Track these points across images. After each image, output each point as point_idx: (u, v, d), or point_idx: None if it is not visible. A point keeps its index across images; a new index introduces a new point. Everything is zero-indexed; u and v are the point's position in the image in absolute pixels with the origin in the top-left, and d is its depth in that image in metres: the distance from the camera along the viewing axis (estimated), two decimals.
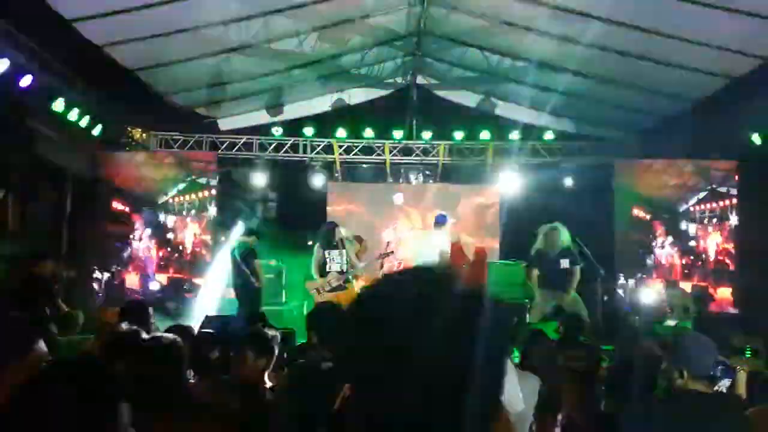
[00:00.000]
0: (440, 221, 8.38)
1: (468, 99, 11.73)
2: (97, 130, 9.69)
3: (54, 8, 6.88)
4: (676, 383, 2.69)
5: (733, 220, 10.23)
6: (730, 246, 10.20)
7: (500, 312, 0.97)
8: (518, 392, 2.76)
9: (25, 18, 7.20)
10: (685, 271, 10.45)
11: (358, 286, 8.58)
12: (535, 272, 8.10)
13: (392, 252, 8.91)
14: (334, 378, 3.20)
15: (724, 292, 10.01)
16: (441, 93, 11.89)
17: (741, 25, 7.06)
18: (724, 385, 3.38)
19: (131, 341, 3.89)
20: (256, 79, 10.23)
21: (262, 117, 11.63)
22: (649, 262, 10.59)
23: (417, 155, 12.19)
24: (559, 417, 4.12)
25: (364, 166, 12.66)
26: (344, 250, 7.50)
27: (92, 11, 7.20)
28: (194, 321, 8.79)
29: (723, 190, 10.38)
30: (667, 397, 2.82)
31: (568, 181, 11.64)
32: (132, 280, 10.33)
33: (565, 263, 7.85)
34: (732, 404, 2.66)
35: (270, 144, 11.83)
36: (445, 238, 8.12)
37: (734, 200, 10.26)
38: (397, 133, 11.95)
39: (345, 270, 7.44)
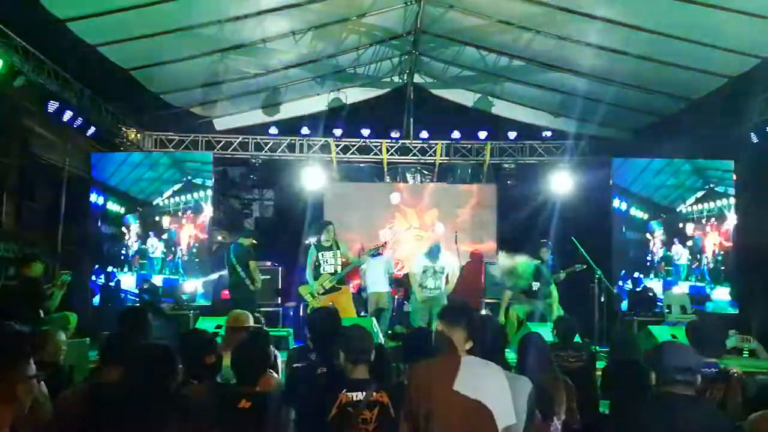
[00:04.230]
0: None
1: (465, 98, 11.68)
2: (91, 131, 9.63)
3: (48, 8, 6.83)
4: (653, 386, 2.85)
5: (731, 219, 10.20)
6: (728, 246, 10.17)
7: None
8: (510, 405, 2.72)
9: (18, 18, 7.15)
10: (683, 271, 10.43)
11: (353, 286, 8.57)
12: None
13: (385, 243, 8.91)
14: (327, 383, 3.17)
15: (722, 292, 9.99)
16: (438, 92, 11.85)
17: (740, 24, 7.03)
18: (718, 388, 3.36)
19: (127, 346, 3.87)
20: (252, 79, 10.18)
21: (258, 116, 11.58)
22: (646, 261, 10.55)
23: (414, 155, 12.15)
24: (555, 418, 4.09)
25: (361, 165, 12.63)
26: (338, 251, 7.42)
27: (86, 11, 7.16)
28: (190, 321, 8.81)
29: (721, 189, 10.35)
30: (647, 399, 2.90)
31: (566, 180, 11.61)
32: (127, 281, 10.29)
33: (535, 285, 8.20)
34: (702, 406, 2.80)
35: (266, 143, 11.79)
36: None
37: (732, 200, 10.23)
38: (394, 133, 11.91)
39: (338, 271, 7.35)
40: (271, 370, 3.95)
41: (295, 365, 4.08)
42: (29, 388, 2.39)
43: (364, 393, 2.91)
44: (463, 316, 2.93)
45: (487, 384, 2.71)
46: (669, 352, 2.81)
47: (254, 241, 8.57)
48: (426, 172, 12.96)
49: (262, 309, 8.77)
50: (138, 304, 9.04)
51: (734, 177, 10.22)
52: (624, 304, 10.11)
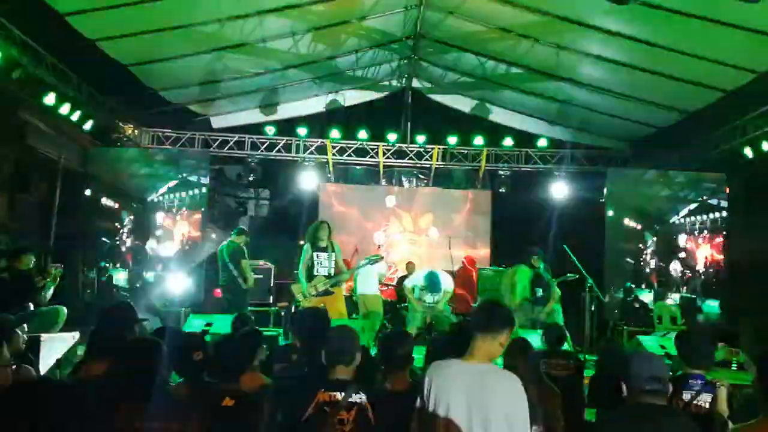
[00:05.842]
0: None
1: (462, 104, 11.72)
2: (88, 125, 9.62)
3: (47, 2, 6.84)
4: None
5: (723, 232, 10.24)
6: (720, 258, 10.21)
7: None
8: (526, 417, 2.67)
9: (18, 11, 7.15)
10: (674, 282, 10.46)
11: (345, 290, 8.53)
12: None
13: (382, 257, 8.85)
14: (307, 381, 3.18)
15: (712, 304, 10.03)
16: (436, 97, 11.88)
17: (737, 39, 7.07)
18: (704, 400, 3.36)
19: (113, 342, 3.86)
20: (251, 78, 10.19)
21: (255, 116, 11.59)
22: (638, 271, 10.59)
23: (410, 158, 12.19)
24: (538, 424, 4.10)
25: (358, 167, 12.65)
26: (333, 253, 7.36)
27: (86, 5, 7.16)
28: (181, 318, 8.80)
29: (713, 202, 10.39)
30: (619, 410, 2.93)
31: (561, 189, 11.66)
32: (120, 276, 10.27)
33: (539, 292, 8.06)
34: (674, 415, 2.82)
35: (263, 143, 11.79)
36: None
37: (724, 213, 10.27)
38: (391, 136, 11.94)
39: (332, 274, 7.29)
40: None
41: (279, 365, 4.08)
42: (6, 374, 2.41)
43: (343, 394, 2.92)
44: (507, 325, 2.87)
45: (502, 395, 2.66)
46: (637, 362, 2.82)
47: (247, 240, 8.57)
48: (422, 177, 12.99)
49: (253, 308, 8.78)
50: (128, 300, 9.03)
51: (726, 190, 10.26)
52: (614, 314, 10.14)
